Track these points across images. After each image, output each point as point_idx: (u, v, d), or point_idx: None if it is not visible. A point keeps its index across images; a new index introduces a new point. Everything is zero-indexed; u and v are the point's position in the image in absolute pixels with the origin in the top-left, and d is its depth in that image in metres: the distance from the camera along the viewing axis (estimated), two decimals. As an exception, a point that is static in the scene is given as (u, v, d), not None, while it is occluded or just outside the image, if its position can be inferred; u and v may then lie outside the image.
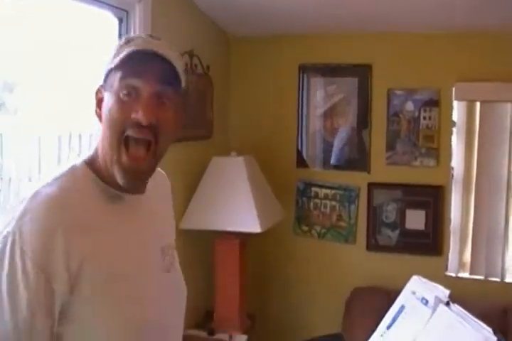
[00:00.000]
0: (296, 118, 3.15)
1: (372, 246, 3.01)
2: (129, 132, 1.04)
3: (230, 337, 2.60)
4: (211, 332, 2.64)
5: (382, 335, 1.43)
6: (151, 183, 1.17)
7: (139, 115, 1.02)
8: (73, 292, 1.00)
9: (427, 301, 1.33)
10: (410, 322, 1.35)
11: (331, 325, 2.93)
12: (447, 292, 1.30)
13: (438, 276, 2.87)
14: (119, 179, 1.06)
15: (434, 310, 1.29)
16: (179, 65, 1.08)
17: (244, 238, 2.73)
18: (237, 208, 2.57)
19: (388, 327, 1.42)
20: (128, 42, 1.07)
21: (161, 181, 1.31)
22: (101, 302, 1.03)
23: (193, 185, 2.72)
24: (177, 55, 1.09)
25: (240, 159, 2.71)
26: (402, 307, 1.42)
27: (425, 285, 1.41)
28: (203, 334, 2.61)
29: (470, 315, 1.21)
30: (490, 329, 1.11)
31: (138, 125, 1.03)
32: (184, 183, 2.70)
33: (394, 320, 1.42)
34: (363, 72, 3.01)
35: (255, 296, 3.04)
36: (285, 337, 3.14)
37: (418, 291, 1.39)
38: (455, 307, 1.27)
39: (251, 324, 2.85)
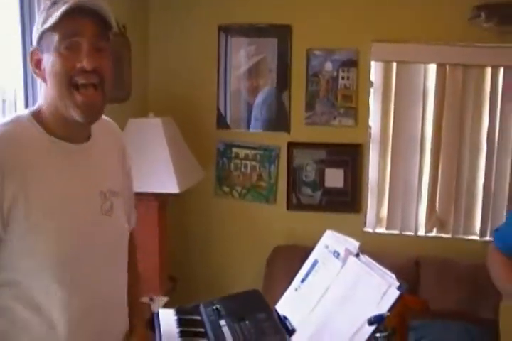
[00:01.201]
0: (216, 79, 3.14)
1: (293, 205, 3.08)
2: (77, 79, 1.16)
3: (151, 299, 2.61)
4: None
5: (296, 289, 1.48)
6: (99, 131, 1.31)
7: (84, 63, 1.15)
8: (6, 229, 1.11)
9: (338, 254, 1.39)
10: (323, 275, 1.43)
11: (252, 283, 2.97)
12: (357, 244, 1.36)
13: (357, 232, 3.02)
14: (78, 116, 1.18)
15: (344, 261, 1.34)
16: (109, 15, 1.19)
17: (163, 200, 2.71)
18: (154, 170, 2.55)
19: (302, 281, 1.47)
20: (55, 3, 1.15)
21: (110, 129, 1.44)
22: (34, 238, 1.13)
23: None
24: (105, 4, 1.19)
25: (158, 120, 2.67)
26: (316, 262, 1.47)
27: (337, 239, 1.46)
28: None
29: (377, 264, 1.28)
30: (393, 276, 1.19)
31: (84, 72, 1.15)
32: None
33: (308, 274, 1.48)
34: (282, 33, 3.01)
35: (176, 258, 3.07)
36: (207, 298, 3.16)
37: (330, 245, 1.45)
38: (364, 258, 1.33)
39: (172, 285, 2.87)
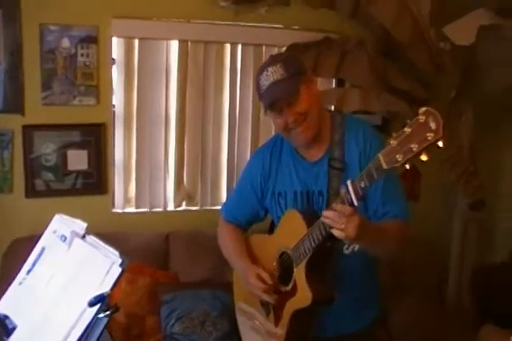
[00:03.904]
0: None
1: (33, 193, 2.92)
2: None
3: None
4: None
5: (20, 283, 1.42)
6: None
7: None
8: None
9: (65, 238, 1.34)
10: (49, 262, 1.39)
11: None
12: (84, 225, 1.35)
13: (105, 214, 3.03)
14: None
15: (70, 244, 1.32)
16: None
17: None
18: None
19: (28, 272, 1.42)
20: None
21: None
22: None
23: None
24: None
25: None
26: (43, 249, 1.44)
27: (65, 222, 1.41)
28: None
29: (102, 244, 1.31)
30: (117, 253, 1.21)
31: None
32: None
33: (34, 263, 1.43)
34: (8, 4, 2.63)
35: None
36: None
37: (58, 229, 1.43)
38: (90, 238, 1.36)
39: None
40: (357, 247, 1.67)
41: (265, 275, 1.71)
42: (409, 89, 3.06)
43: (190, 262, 2.98)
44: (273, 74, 1.59)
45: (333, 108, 2.92)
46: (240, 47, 3.19)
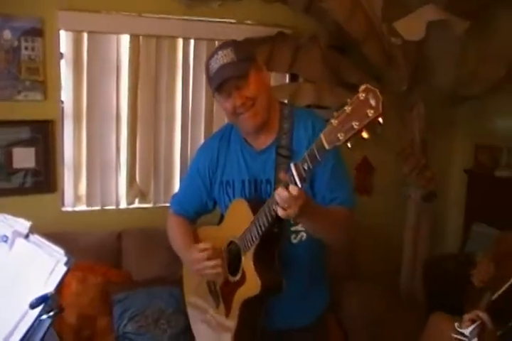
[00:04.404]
0: None
1: (-24, 194, 2.76)
2: None
3: None
4: None
5: None
6: None
7: None
8: None
9: (7, 238, 1.29)
10: None
11: None
12: (27, 224, 1.30)
13: (55, 213, 2.91)
14: None
15: (12, 244, 1.27)
16: None
17: None
18: None
19: None
20: None
21: None
22: None
23: None
24: None
25: None
26: None
27: (7, 222, 1.34)
28: None
29: (47, 243, 1.26)
30: (62, 252, 1.17)
31: None
32: None
33: None
34: None
35: None
36: None
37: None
38: (34, 237, 1.30)
39: None
40: (305, 237, 1.67)
41: (206, 244, 1.69)
42: (362, 83, 3.08)
43: (144, 260, 2.93)
44: (223, 58, 1.58)
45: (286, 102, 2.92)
46: (192, 42, 3.14)
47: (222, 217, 1.87)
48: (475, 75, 3.20)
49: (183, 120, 3.19)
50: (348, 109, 1.16)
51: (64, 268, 1.12)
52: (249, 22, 3.18)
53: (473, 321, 1.76)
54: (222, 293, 1.76)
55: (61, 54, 2.81)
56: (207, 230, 1.92)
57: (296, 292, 1.69)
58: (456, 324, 1.82)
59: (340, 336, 2.88)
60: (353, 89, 3.14)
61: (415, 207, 3.42)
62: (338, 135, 1.17)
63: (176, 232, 1.91)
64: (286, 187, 1.34)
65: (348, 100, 1.16)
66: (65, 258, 1.13)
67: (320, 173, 1.41)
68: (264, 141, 1.71)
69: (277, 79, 3.27)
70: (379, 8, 2.84)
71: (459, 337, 1.81)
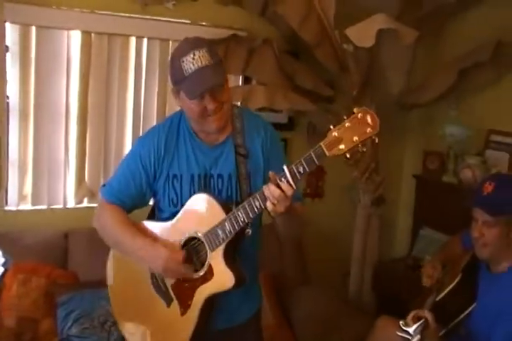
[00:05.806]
0: None
1: None
2: None
3: None
4: None
5: None
6: None
7: None
8: None
9: None
10: None
11: None
12: None
13: None
14: None
15: None
16: None
17: None
18: None
19: None
20: None
21: None
22: None
23: None
24: None
25: None
26: None
27: None
28: None
29: None
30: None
31: None
32: None
33: None
34: None
35: None
36: None
37: None
38: None
39: None
40: (250, 233, 1.67)
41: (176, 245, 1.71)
42: (315, 87, 3.12)
43: (92, 261, 2.83)
44: (200, 59, 1.57)
45: (239, 104, 2.92)
46: (145, 41, 3.10)
47: (153, 210, 1.87)
48: (425, 83, 3.28)
49: (134, 119, 3.14)
50: (347, 124, 1.38)
51: (1, 269, 1.09)
52: (203, 23, 3.17)
53: (418, 319, 1.87)
54: (175, 290, 1.73)
55: (7, 47, 2.73)
56: (150, 225, 1.83)
57: (239, 289, 1.69)
58: (400, 322, 1.91)
59: (290, 339, 2.90)
60: (306, 93, 3.18)
61: (365, 211, 3.47)
62: (340, 146, 1.39)
63: (113, 222, 1.77)
64: (278, 186, 1.46)
65: (345, 117, 1.39)
66: (2, 259, 1.11)
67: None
68: (217, 137, 1.74)
69: (230, 81, 3.26)
70: (332, 15, 2.88)
71: (403, 334, 1.89)
